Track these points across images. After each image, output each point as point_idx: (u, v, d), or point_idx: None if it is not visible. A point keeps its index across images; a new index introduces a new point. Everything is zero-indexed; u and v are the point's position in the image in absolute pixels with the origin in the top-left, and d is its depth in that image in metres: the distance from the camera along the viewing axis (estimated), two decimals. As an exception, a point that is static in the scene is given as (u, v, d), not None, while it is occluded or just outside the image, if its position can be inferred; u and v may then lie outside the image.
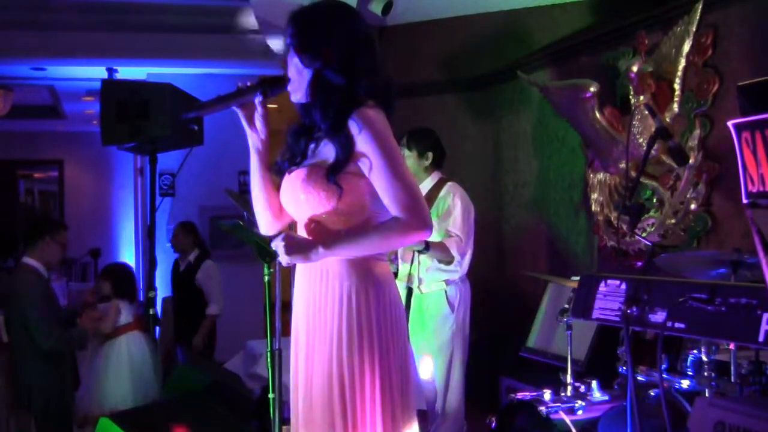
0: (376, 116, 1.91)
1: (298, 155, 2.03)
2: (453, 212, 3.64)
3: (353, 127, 1.89)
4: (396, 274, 3.73)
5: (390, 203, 1.90)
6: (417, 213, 1.89)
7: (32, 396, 3.87)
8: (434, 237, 3.50)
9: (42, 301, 3.91)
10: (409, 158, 3.70)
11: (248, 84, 2.00)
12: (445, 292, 3.70)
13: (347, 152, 1.89)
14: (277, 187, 2.09)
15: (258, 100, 2.01)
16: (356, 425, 1.88)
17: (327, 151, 1.95)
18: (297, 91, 2.00)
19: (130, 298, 4.43)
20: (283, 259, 1.94)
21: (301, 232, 2.02)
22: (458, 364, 3.72)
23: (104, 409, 4.08)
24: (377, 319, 1.92)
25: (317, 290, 1.97)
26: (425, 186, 3.73)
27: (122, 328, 4.33)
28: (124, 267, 4.89)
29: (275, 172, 2.08)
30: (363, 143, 1.88)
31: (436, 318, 3.71)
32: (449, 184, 3.75)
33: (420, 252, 3.52)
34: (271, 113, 2.35)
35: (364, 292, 1.93)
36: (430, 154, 3.75)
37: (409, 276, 3.69)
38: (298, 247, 1.92)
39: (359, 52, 1.95)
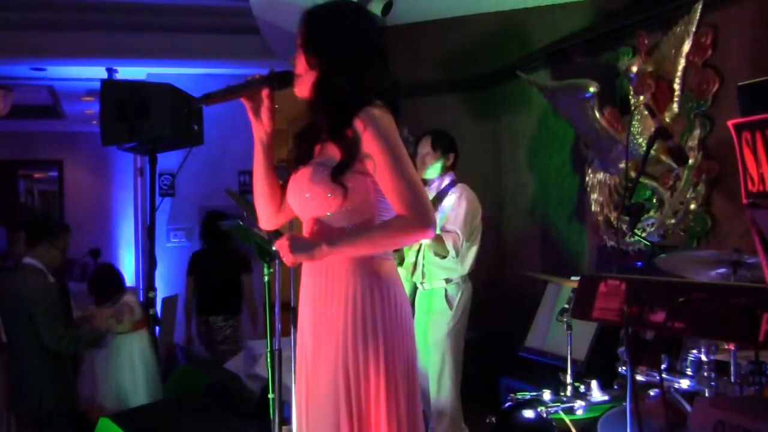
0: (381, 115, 1.92)
1: (305, 154, 2.04)
2: (456, 210, 3.71)
3: (358, 125, 1.90)
4: (402, 263, 3.86)
5: (394, 201, 1.90)
6: (420, 211, 1.89)
7: (42, 396, 3.87)
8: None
9: (47, 300, 3.91)
10: (432, 157, 3.82)
11: (257, 77, 2.03)
12: (446, 290, 3.77)
13: (351, 152, 1.90)
14: (282, 185, 2.11)
15: (265, 93, 2.03)
16: (362, 426, 1.88)
17: (333, 150, 1.95)
18: (302, 89, 2.02)
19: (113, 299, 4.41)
20: (288, 258, 1.94)
21: (306, 230, 2.03)
22: (452, 363, 3.74)
23: (122, 406, 4.10)
24: (382, 318, 1.92)
25: (322, 290, 1.97)
26: (439, 186, 3.85)
27: (136, 325, 4.33)
28: (106, 270, 4.82)
29: (279, 171, 2.10)
30: (368, 141, 1.89)
31: (433, 315, 3.78)
32: (459, 185, 3.84)
33: None
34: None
35: (369, 291, 1.93)
36: (452, 155, 3.88)
37: (415, 265, 3.81)
38: (302, 246, 1.93)
39: (366, 56, 1.97)
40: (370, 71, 1.96)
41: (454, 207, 3.72)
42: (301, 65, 2.00)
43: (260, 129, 2.08)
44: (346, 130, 1.91)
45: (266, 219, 2.18)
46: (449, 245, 3.62)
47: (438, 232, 3.65)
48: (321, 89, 1.97)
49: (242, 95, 2.04)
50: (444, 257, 3.67)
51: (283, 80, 2.03)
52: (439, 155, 3.82)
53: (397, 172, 1.89)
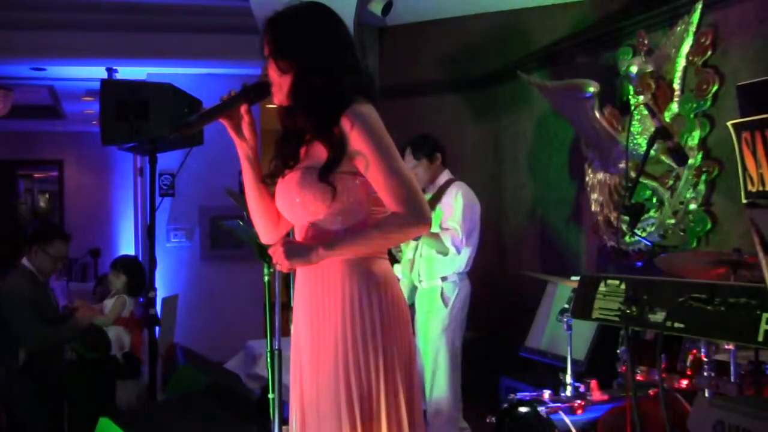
0: (368, 112, 1.90)
1: (289, 159, 2.00)
2: (453, 207, 3.72)
3: (345, 124, 1.87)
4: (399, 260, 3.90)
5: (387, 198, 1.89)
6: (415, 207, 1.87)
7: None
8: (434, 230, 3.64)
9: (27, 304, 3.87)
10: (421, 166, 3.84)
11: (231, 94, 1.97)
12: (441, 288, 3.77)
13: (338, 151, 1.87)
14: (273, 195, 2.07)
15: (243, 108, 1.98)
16: (364, 425, 1.88)
17: (319, 152, 1.92)
18: (280, 96, 1.97)
19: (137, 294, 4.44)
20: (284, 264, 1.91)
21: (299, 236, 2.00)
22: (447, 361, 3.74)
23: None
24: (380, 318, 1.91)
25: (318, 292, 1.95)
26: (435, 186, 3.86)
27: (119, 321, 4.34)
28: (138, 263, 4.86)
29: (269, 179, 2.05)
30: (356, 140, 1.87)
31: (428, 313, 3.79)
32: (456, 183, 3.85)
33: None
34: (270, 112, 2.34)
35: (366, 292, 1.91)
36: (438, 155, 3.88)
37: (412, 263, 3.85)
38: (298, 251, 1.90)
39: (338, 52, 1.94)
40: (343, 64, 1.93)
41: (451, 204, 3.73)
42: (273, 73, 1.95)
43: (244, 146, 2.02)
44: (333, 128, 1.88)
45: (267, 233, 2.13)
46: (447, 242, 3.63)
47: (436, 230, 3.66)
48: (299, 91, 1.92)
49: (220, 116, 1.97)
50: (445, 254, 3.68)
51: (259, 92, 1.97)
52: (425, 162, 3.84)
53: (389, 168, 1.87)
